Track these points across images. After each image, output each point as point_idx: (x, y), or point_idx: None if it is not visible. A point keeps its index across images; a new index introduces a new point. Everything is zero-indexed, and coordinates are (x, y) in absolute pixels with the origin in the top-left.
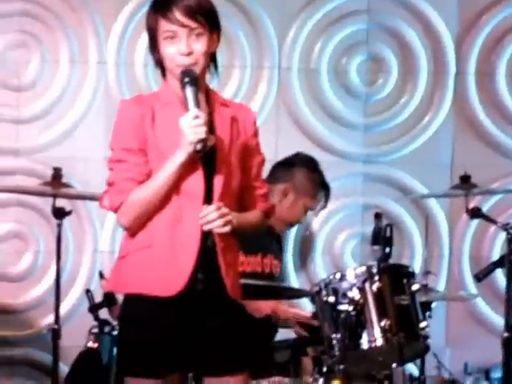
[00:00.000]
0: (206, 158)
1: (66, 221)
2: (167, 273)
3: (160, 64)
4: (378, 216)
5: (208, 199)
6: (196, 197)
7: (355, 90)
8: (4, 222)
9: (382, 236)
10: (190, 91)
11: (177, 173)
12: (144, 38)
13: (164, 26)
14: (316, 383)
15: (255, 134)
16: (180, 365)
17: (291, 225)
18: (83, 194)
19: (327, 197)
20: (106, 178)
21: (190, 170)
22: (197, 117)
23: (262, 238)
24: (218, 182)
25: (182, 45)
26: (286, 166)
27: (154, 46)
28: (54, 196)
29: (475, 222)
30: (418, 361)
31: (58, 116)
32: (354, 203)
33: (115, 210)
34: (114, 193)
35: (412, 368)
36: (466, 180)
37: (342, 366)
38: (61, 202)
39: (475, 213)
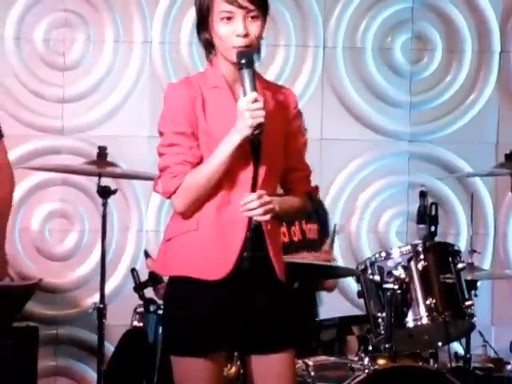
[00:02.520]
0: (253, 144)
1: (111, 200)
2: (214, 256)
3: (207, 44)
4: (423, 194)
5: (254, 184)
6: (244, 182)
7: (400, 69)
8: (49, 201)
9: (428, 214)
10: (247, 73)
11: (232, 155)
12: (189, 17)
13: (221, 5)
14: (361, 362)
15: (297, 116)
16: (226, 343)
17: None
18: (128, 172)
19: None
20: (158, 163)
21: (239, 156)
22: (256, 100)
23: None
24: (263, 167)
25: (239, 26)
26: None
27: (204, 25)
28: (99, 175)
29: None
30: (464, 339)
31: (103, 95)
32: (400, 182)
33: (171, 195)
34: (168, 177)
35: (457, 346)
36: (511, 158)
37: (387, 345)
38: (106, 181)
39: None
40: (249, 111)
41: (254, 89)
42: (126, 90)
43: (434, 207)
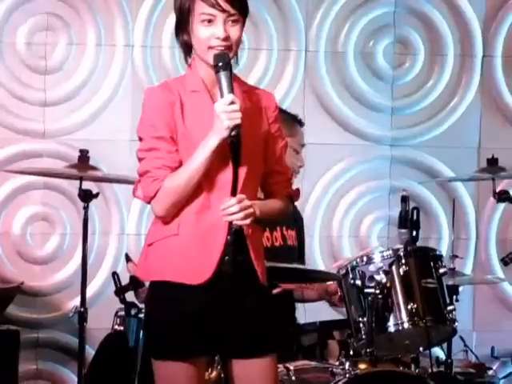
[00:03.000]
0: (232, 146)
1: (93, 203)
2: (195, 260)
3: (186, 46)
4: (404, 199)
5: (234, 188)
6: (224, 186)
7: (382, 73)
8: (31, 204)
9: (409, 219)
10: (224, 76)
11: (210, 158)
12: (171, 21)
13: (202, 8)
14: (342, 366)
15: (276, 119)
16: (208, 347)
17: (293, 171)
18: (110, 176)
19: (301, 124)
20: (138, 168)
21: (218, 159)
22: (232, 102)
23: None
24: (243, 170)
25: (219, 29)
26: None
27: (183, 26)
28: (81, 178)
29: (502, 205)
30: (445, 344)
31: (84, 99)
32: (381, 186)
33: (150, 199)
34: (147, 182)
35: (439, 351)
36: (493, 163)
37: (368, 350)
38: (87, 185)
39: (502, 196)
40: (225, 113)
41: (231, 91)
42: (108, 93)
43: (415, 212)
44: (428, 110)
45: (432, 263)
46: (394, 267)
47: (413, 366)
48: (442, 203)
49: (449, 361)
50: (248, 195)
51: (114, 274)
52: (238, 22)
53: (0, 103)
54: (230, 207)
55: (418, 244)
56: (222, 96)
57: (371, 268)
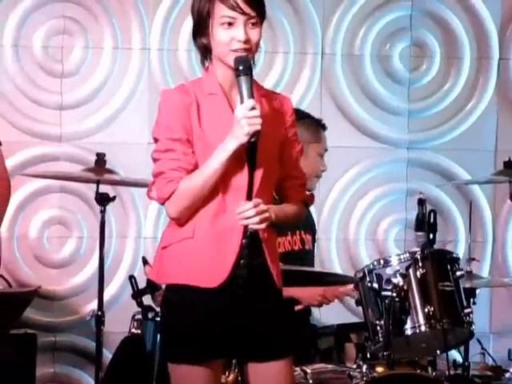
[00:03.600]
0: (249, 151)
1: (110, 207)
2: (210, 264)
3: (204, 50)
4: (421, 202)
5: (250, 192)
6: (240, 189)
7: (399, 76)
8: (47, 208)
9: (426, 222)
10: (244, 80)
11: (227, 162)
12: (187, 24)
13: (222, 11)
14: (360, 369)
15: (293, 124)
16: (224, 350)
17: (317, 176)
18: (126, 179)
19: (324, 128)
20: (153, 169)
21: (234, 163)
22: (253, 107)
23: None
24: (258, 174)
25: (240, 31)
26: None
27: (202, 30)
28: (98, 182)
29: None
30: (462, 347)
31: (101, 102)
32: (398, 189)
33: (165, 201)
34: (162, 183)
35: (456, 354)
36: (510, 166)
37: (385, 353)
38: (104, 188)
39: None
40: (246, 119)
41: (251, 96)
42: (125, 96)
43: (432, 214)
44: (445, 112)
45: (449, 266)
46: (410, 270)
47: (430, 368)
48: (459, 206)
49: (466, 363)
50: (263, 199)
51: (131, 278)
52: (257, 24)
53: (17, 107)
54: (245, 211)
55: (435, 247)
56: (241, 100)
57: (388, 271)
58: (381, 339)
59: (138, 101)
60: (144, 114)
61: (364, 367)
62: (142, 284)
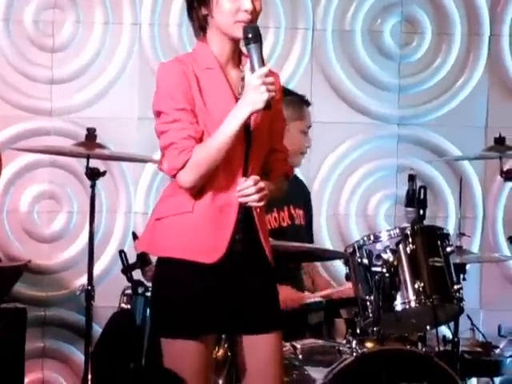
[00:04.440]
0: (246, 128)
1: (100, 181)
2: (208, 239)
3: (202, 21)
4: (411, 178)
5: (246, 168)
6: (236, 165)
7: (389, 52)
8: (38, 182)
9: (416, 198)
10: (255, 48)
11: (239, 129)
12: None
13: None
14: (349, 345)
15: (280, 99)
16: (217, 325)
17: (301, 153)
18: (117, 154)
19: (308, 104)
20: (160, 141)
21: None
22: (267, 74)
23: None
24: (253, 151)
25: (246, 2)
26: None
27: (204, 0)
28: (88, 157)
29: (509, 184)
30: (452, 323)
31: (91, 77)
32: (389, 165)
33: (178, 171)
34: (174, 153)
35: (446, 330)
36: (500, 142)
37: (375, 328)
38: (94, 163)
39: (509, 175)
40: (264, 85)
41: (264, 63)
42: (115, 71)
43: (422, 190)
44: (435, 88)
45: (439, 242)
46: (401, 246)
47: (420, 344)
48: (449, 182)
49: (456, 339)
50: (257, 170)
51: (121, 252)
52: None
53: (7, 81)
54: (246, 188)
55: (425, 223)
56: (252, 68)
57: (378, 247)
58: (371, 315)
59: (128, 76)
60: (135, 89)
61: (354, 342)
62: (132, 259)
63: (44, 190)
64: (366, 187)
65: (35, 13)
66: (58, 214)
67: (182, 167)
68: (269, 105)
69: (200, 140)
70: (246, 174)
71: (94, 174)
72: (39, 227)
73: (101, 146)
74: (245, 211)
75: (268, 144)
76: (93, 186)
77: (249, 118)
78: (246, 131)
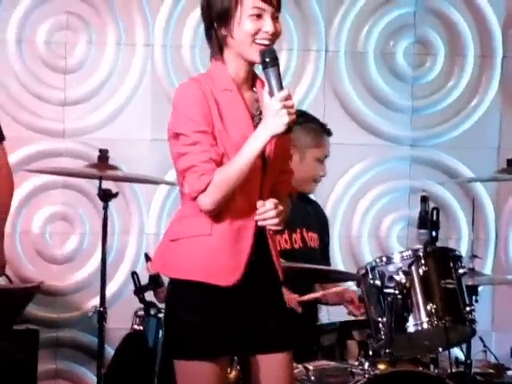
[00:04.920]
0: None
1: (112, 203)
2: (225, 262)
3: (220, 42)
4: (424, 199)
5: (261, 191)
6: (252, 188)
7: (402, 73)
8: (50, 204)
9: (429, 219)
10: (272, 71)
11: (259, 153)
12: (191, 20)
13: (254, 2)
14: (362, 367)
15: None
16: (233, 347)
17: (314, 180)
18: (129, 176)
19: (329, 134)
20: (180, 164)
21: None
22: (287, 97)
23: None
24: (269, 173)
25: (269, 23)
26: None
27: (224, 20)
28: (100, 178)
29: None
30: (464, 345)
31: (104, 98)
32: (401, 186)
33: (199, 194)
34: (195, 176)
35: (458, 352)
36: None
37: (387, 350)
38: (107, 184)
39: None
40: (285, 108)
41: (282, 86)
42: (128, 92)
43: (435, 212)
44: (448, 110)
45: (451, 263)
46: (413, 267)
47: (432, 366)
48: (462, 204)
49: (468, 361)
50: (268, 191)
51: (134, 274)
52: (278, 17)
53: (20, 102)
54: (267, 212)
55: (438, 244)
56: (271, 92)
57: (391, 268)
58: (383, 336)
59: (141, 97)
60: (147, 111)
61: (366, 364)
62: (144, 280)
63: (56, 211)
64: (378, 209)
65: (48, 34)
66: (70, 236)
67: (204, 190)
68: (290, 128)
69: (220, 162)
70: (261, 197)
71: (106, 196)
72: (51, 248)
73: (113, 168)
74: (258, 234)
75: (280, 167)
76: (105, 208)
77: (288, 132)
78: (261, 155)
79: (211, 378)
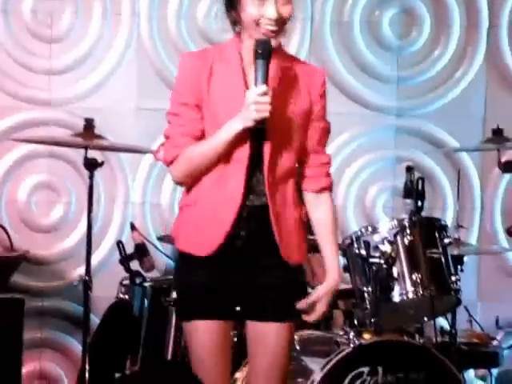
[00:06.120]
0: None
1: (98, 172)
2: (206, 231)
3: (234, 23)
4: (409, 169)
5: (254, 164)
6: (240, 160)
7: (388, 43)
8: (36, 173)
9: (414, 189)
10: (261, 64)
11: (230, 142)
12: None
13: None
14: (347, 336)
15: (321, 97)
16: (224, 312)
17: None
18: (115, 145)
19: None
20: (164, 130)
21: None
22: (265, 93)
23: None
24: (267, 148)
25: (271, 9)
26: None
27: (232, 3)
28: (86, 147)
29: (507, 176)
30: (450, 314)
31: (90, 67)
32: (387, 156)
33: (168, 164)
34: (168, 146)
35: (443, 322)
36: (498, 133)
37: (373, 319)
38: (93, 154)
39: (507, 167)
40: (255, 104)
41: (265, 81)
42: (114, 62)
43: (420, 182)
44: (433, 80)
45: (437, 233)
46: (398, 237)
47: (417, 335)
48: (447, 173)
49: (453, 331)
50: (279, 169)
51: (119, 243)
52: (288, 0)
53: (6, 71)
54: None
55: (423, 214)
56: (255, 83)
57: (376, 238)
58: (368, 306)
59: (126, 67)
60: (133, 80)
61: (351, 334)
62: (129, 249)
63: (42, 180)
64: (363, 179)
65: (34, 3)
66: (55, 205)
67: (171, 162)
68: (259, 125)
69: (200, 137)
70: (262, 172)
71: (92, 165)
72: (37, 217)
73: (99, 137)
74: (251, 208)
75: (294, 140)
76: (91, 177)
77: (262, 129)
78: (256, 130)
79: (210, 334)
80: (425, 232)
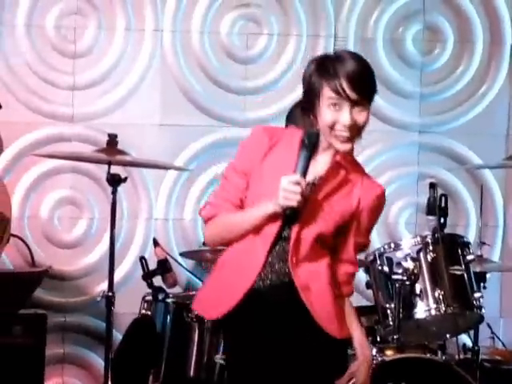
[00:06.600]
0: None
1: (121, 188)
2: (217, 296)
3: (312, 124)
4: (433, 186)
5: (279, 239)
6: (268, 235)
7: (411, 60)
8: (59, 188)
9: (437, 206)
10: (304, 155)
11: (261, 219)
12: (200, 5)
13: (329, 93)
14: None
15: (371, 210)
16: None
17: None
18: (138, 160)
19: None
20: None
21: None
22: (297, 183)
23: None
24: (294, 233)
25: (345, 115)
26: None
27: (309, 106)
28: (109, 163)
29: None
30: (472, 331)
31: (113, 83)
32: (410, 173)
33: (205, 221)
34: (210, 205)
35: (466, 338)
36: None
37: (395, 336)
38: (116, 169)
39: None
40: (284, 191)
41: (304, 173)
42: (137, 77)
43: (443, 199)
44: (457, 96)
45: (460, 250)
46: (421, 254)
47: (439, 352)
48: (470, 190)
49: (475, 348)
50: (305, 254)
51: (142, 259)
52: (365, 108)
53: (29, 87)
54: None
55: (446, 231)
56: (294, 171)
57: (399, 254)
58: (391, 323)
59: (150, 82)
60: (156, 96)
61: (374, 350)
62: (152, 265)
63: (65, 196)
64: (386, 195)
65: (57, 18)
66: (78, 220)
67: (206, 221)
68: (289, 212)
69: (239, 206)
70: (275, 245)
71: (115, 180)
72: (60, 233)
73: (122, 153)
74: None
75: (326, 232)
76: (114, 192)
77: (291, 216)
78: (286, 215)
79: None
80: (448, 249)
